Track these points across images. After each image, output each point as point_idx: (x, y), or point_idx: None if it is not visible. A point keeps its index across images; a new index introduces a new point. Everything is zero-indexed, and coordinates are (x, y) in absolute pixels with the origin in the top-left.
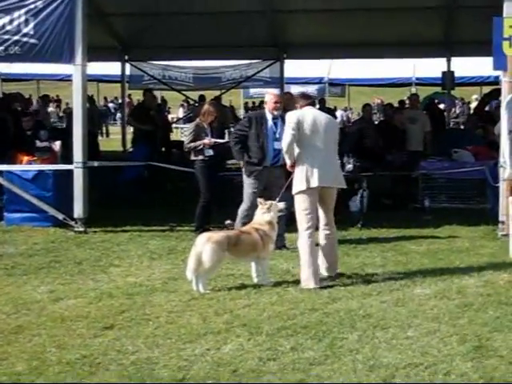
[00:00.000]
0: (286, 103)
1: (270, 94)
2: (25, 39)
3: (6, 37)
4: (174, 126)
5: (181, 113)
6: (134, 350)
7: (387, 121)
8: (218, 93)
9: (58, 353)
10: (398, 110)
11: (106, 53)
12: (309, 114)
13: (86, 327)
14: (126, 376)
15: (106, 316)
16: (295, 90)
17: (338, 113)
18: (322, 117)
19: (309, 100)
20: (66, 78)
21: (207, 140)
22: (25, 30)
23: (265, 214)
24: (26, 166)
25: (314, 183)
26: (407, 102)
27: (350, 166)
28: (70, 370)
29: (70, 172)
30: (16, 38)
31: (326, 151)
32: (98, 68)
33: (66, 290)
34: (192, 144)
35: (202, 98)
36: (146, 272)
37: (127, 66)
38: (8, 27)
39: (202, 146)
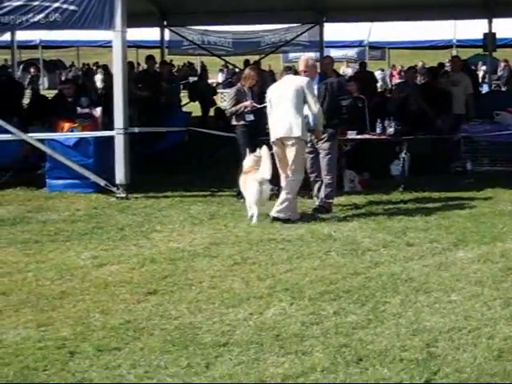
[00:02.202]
0: (326, 67)
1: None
2: (64, 6)
3: (47, 4)
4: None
5: (220, 78)
6: (177, 315)
7: (432, 84)
8: (257, 57)
9: (101, 318)
10: (445, 72)
11: (145, 19)
12: (280, 82)
13: (129, 292)
14: (169, 341)
15: (149, 281)
16: (335, 53)
17: (378, 73)
18: (289, 80)
19: (287, 71)
20: (106, 45)
21: (248, 102)
22: None
23: None
24: (68, 134)
25: (272, 138)
26: (447, 64)
27: (391, 130)
28: (114, 335)
29: (112, 138)
30: (56, 5)
31: (282, 108)
32: (137, 34)
33: (109, 256)
34: (233, 108)
35: (247, 63)
36: (187, 237)
37: (166, 31)
38: None
39: (242, 110)
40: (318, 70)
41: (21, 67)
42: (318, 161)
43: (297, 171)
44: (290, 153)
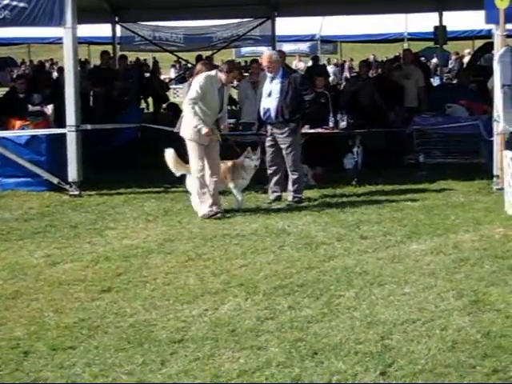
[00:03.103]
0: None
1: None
2: (14, 3)
3: None
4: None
5: (172, 73)
6: (131, 313)
7: (385, 77)
8: (209, 53)
9: (56, 317)
10: (398, 66)
11: (96, 15)
12: None
13: (83, 291)
14: (124, 338)
15: (103, 279)
16: (287, 48)
17: (330, 68)
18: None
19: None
20: (57, 41)
21: None
22: None
23: None
24: (19, 132)
25: None
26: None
27: (343, 124)
28: (69, 334)
29: (63, 136)
30: (5, 2)
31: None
32: (88, 30)
33: (63, 254)
34: None
35: (199, 59)
36: (141, 234)
37: (118, 27)
38: None
39: None
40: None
41: None
42: (279, 154)
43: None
44: None
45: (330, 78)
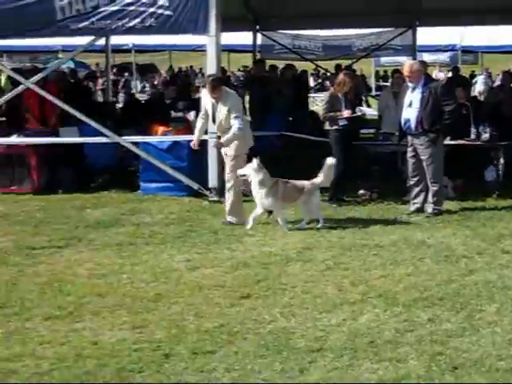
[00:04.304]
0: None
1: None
2: (160, 11)
3: (142, 9)
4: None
5: (311, 82)
6: (270, 320)
7: None
8: (348, 62)
9: (196, 321)
10: None
11: (238, 23)
12: None
13: (222, 296)
14: (263, 345)
15: (243, 285)
16: (427, 57)
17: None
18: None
19: None
20: (198, 49)
21: (345, 112)
22: (160, 2)
23: None
24: (162, 137)
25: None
26: None
27: (486, 136)
28: (209, 339)
29: (205, 142)
30: (151, 10)
31: None
32: (229, 38)
33: (203, 259)
34: (328, 114)
35: (338, 68)
36: (280, 242)
37: (258, 35)
38: (144, 0)
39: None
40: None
41: (114, 71)
42: (420, 166)
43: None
44: None
45: (481, 88)
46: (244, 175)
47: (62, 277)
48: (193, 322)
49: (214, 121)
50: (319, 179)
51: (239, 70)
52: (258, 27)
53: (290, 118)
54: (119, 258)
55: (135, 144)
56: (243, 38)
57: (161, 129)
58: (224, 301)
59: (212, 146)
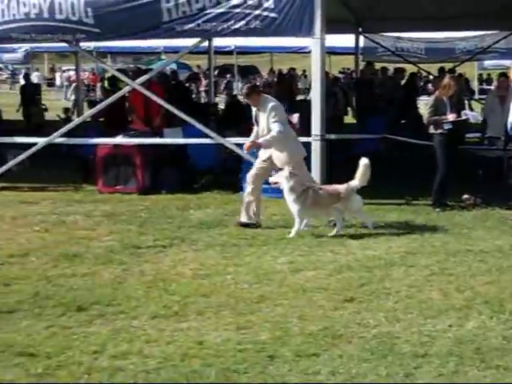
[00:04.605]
0: None
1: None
2: (265, 13)
3: (247, 11)
4: None
5: None
6: (374, 324)
7: None
8: (451, 65)
9: (299, 323)
10: None
11: (340, 25)
12: None
13: (326, 299)
14: (367, 349)
15: (346, 288)
16: None
17: None
18: None
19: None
20: (299, 51)
21: (450, 116)
22: (265, 5)
23: None
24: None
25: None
26: None
27: None
28: (313, 341)
29: (308, 144)
30: (257, 12)
31: None
32: (330, 40)
33: (305, 262)
34: (433, 118)
35: (442, 71)
36: (383, 245)
37: (360, 37)
38: (249, 2)
39: (442, 120)
40: None
41: (216, 72)
42: None
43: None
44: None
45: None
46: (276, 183)
47: (166, 276)
48: (296, 324)
49: (258, 129)
50: (355, 181)
51: (340, 72)
52: (360, 29)
53: (403, 121)
54: (223, 259)
55: (238, 146)
56: (344, 40)
57: None
58: (327, 304)
59: (245, 148)
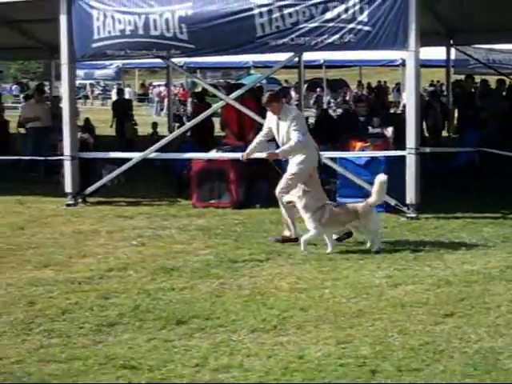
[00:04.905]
0: None
1: None
2: (359, 27)
3: (341, 25)
4: None
5: None
6: (476, 339)
7: None
8: None
9: (400, 338)
10: None
11: (431, 38)
12: None
13: (425, 313)
14: (470, 365)
15: (445, 303)
16: None
17: None
18: None
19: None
20: (388, 64)
21: None
22: (359, 18)
23: None
24: (359, 153)
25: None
26: None
27: None
28: (414, 356)
29: (403, 158)
30: (351, 26)
31: None
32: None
33: (403, 276)
34: None
35: None
36: (481, 260)
37: (452, 50)
38: (343, 16)
39: None
40: None
41: (305, 86)
42: None
43: None
44: None
45: None
46: (291, 202)
47: (264, 290)
48: (397, 338)
49: (278, 138)
50: (372, 198)
51: (430, 85)
52: (451, 42)
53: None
54: (319, 273)
55: (332, 159)
56: (433, 52)
57: (358, 144)
58: (427, 318)
59: (265, 157)
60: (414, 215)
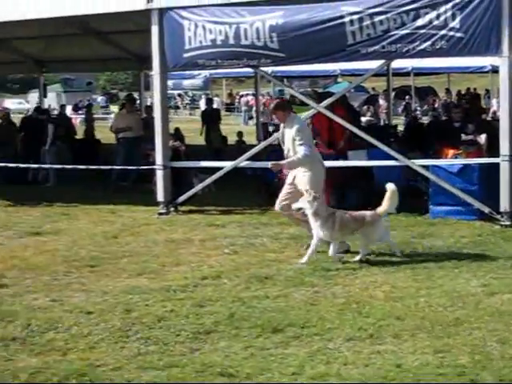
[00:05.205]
0: None
1: None
2: (451, 33)
3: (433, 32)
4: None
5: None
6: None
7: None
8: None
9: (499, 347)
10: None
11: None
12: None
13: None
14: None
15: None
16: None
17: None
18: None
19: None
20: (476, 71)
21: None
22: (451, 25)
23: None
24: (452, 160)
25: None
26: None
27: None
28: None
29: (496, 165)
30: (443, 32)
31: None
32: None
33: (500, 285)
34: None
35: None
36: None
37: None
38: (435, 22)
39: None
40: None
41: (393, 94)
42: None
43: None
44: None
45: None
46: (300, 209)
47: (359, 298)
48: (496, 348)
49: (283, 145)
50: (382, 208)
51: None
52: None
53: None
54: (414, 282)
55: (424, 167)
56: None
57: (451, 152)
58: None
59: (270, 168)
60: (508, 223)
